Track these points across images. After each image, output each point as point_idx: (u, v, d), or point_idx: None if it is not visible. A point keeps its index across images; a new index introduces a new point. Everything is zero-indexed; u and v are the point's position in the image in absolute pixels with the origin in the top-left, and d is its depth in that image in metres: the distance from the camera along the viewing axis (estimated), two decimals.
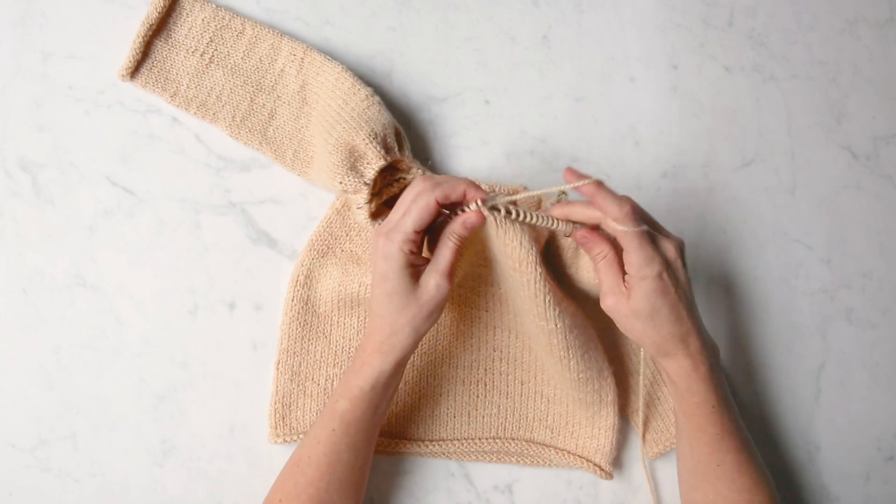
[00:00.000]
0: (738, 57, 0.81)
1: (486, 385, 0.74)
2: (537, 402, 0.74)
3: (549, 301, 0.65)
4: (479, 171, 0.77)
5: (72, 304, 0.71)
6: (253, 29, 0.73)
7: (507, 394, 0.74)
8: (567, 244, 0.70)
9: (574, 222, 0.65)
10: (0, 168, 0.71)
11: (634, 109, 0.80)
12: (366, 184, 0.67)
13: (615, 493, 0.75)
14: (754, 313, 0.79)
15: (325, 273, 0.71)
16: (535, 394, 0.74)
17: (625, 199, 0.63)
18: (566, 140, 0.78)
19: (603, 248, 0.65)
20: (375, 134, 0.67)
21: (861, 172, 0.82)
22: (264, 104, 0.73)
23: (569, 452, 0.73)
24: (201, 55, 0.72)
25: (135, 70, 0.71)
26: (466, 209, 0.63)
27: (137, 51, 0.70)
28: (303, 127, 0.72)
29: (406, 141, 0.71)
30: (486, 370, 0.74)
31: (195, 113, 0.72)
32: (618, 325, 0.66)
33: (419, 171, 0.70)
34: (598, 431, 0.73)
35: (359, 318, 0.72)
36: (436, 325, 0.72)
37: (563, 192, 0.67)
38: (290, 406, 0.71)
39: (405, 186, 0.71)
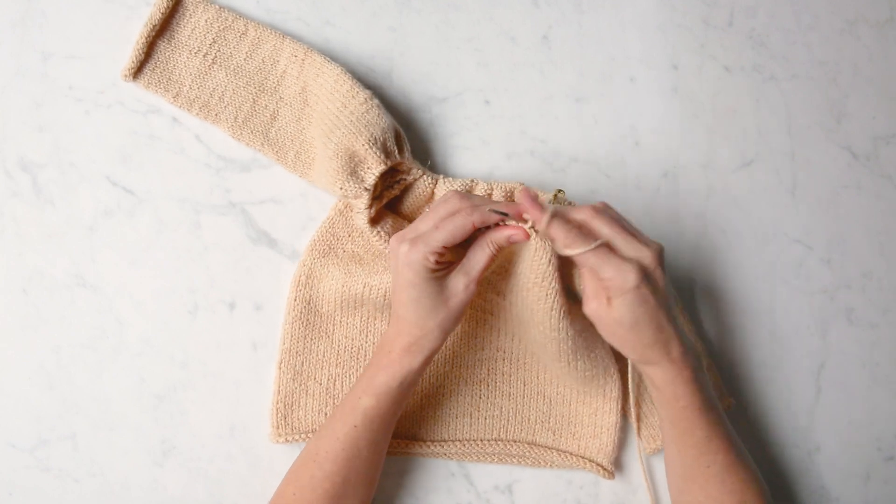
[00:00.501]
0: (738, 57, 0.81)
1: (488, 386, 0.74)
2: (539, 404, 0.74)
3: (563, 313, 0.65)
4: (479, 171, 0.77)
5: (72, 304, 0.71)
6: (255, 30, 0.73)
7: (510, 395, 0.74)
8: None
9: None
10: (0, 168, 0.71)
11: (634, 109, 0.80)
12: (366, 189, 0.67)
13: (615, 493, 0.75)
14: (754, 313, 0.79)
15: (327, 273, 0.71)
16: (537, 394, 0.74)
17: (572, 222, 0.62)
18: (566, 140, 0.78)
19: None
20: (375, 139, 0.67)
21: (861, 172, 0.82)
22: (266, 105, 0.73)
23: (571, 454, 0.73)
24: (204, 56, 0.72)
25: (137, 70, 0.71)
26: (508, 223, 0.63)
27: (140, 51, 0.70)
28: (304, 128, 0.72)
29: (406, 142, 0.71)
30: (488, 371, 0.74)
31: (197, 114, 0.72)
32: (600, 331, 0.65)
33: (420, 172, 0.70)
34: (600, 430, 0.73)
35: (361, 317, 0.72)
36: None
37: (561, 191, 0.67)
38: (291, 406, 0.71)
39: (406, 188, 0.71)
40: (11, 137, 0.72)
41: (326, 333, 0.72)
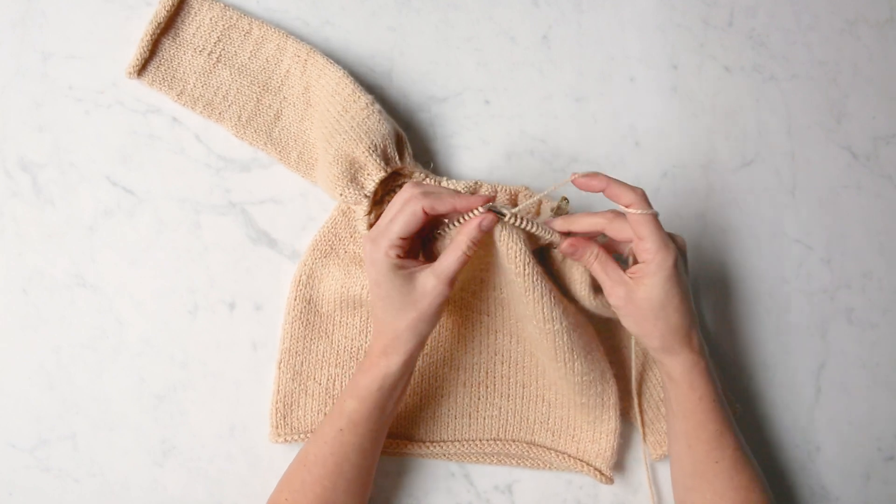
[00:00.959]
0: (738, 57, 0.81)
1: (487, 388, 0.74)
2: (538, 406, 0.74)
3: (553, 303, 0.65)
4: (479, 171, 0.77)
5: (72, 304, 0.71)
6: (260, 29, 0.73)
7: (509, 396, 0.74)
8: (556, 256, 0.69)
9: (564, 234, 0.65)
10: (0, 168, 0.71)
11: (634, 109, 0.80)
12: (366, 196, 0.67)
13: (615, 493, 0.75)
14: (754, 313, 0.79)
15: (327, 273, 0.71)
16: (536, 397, 0.74)
17: (636, 187, 0.63)
18: (566, 140, 0.78)
19: (593, 249, 0.65)
20: (375, 145, 0.67)
21: (861, 172, 0.82)
22: (270, 105, 0.73)
23: (570, 456, 0.73)
24: (209, 54, 0.72)
25: (142, 68, 0.71)
26: (470, 216, 0.63)
27: (145, 49, 0.70)
28: (308, 129, 0.72)
29: (407, 146, 0.71)
30: (487, 373, 0.74)
31: (201, 112, 0.72)
32: (624, 319, 0.65)
33: (421, 175, 0.70)
34: (599, 436, 0.73)
35: (361, 318, 0.72)
36: (437, 328, 0.72)
37: (565, 199, 0.67)
38: (291, 405, 0.71)
39: None
40: (11, 137, 0.72)
41: (326, 333, 0.72)
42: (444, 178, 0.71)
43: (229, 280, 0.73)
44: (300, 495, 0.64)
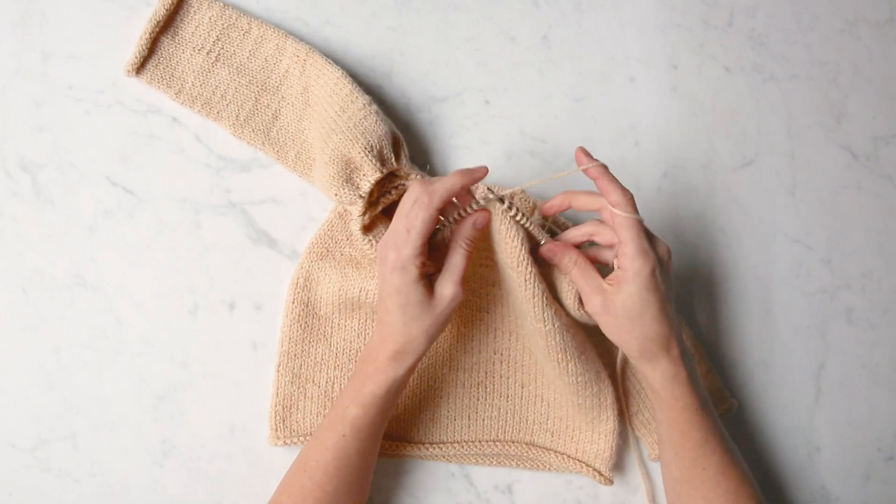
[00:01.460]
0: (738, 57, 0.81)
1: (486, 388, 0.74)
2: (537, 406, 0.74)
3: (545, 301, 0.65)
4: None
5: (72, 304, 0.71)
6: (259, 28, 0.73)
7: (508, 397, 0.74)
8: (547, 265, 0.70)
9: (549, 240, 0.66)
10: (0, 168, 0.71)
11: (634, 109, 0.80)
12: (361, 196, 0.67)
13: (615, 493, 0.75)
14: (754, 313, 0.79)
15: (325, 276, 0.71)
16: (535, 397, 0.74)
17: (627, 189, 0.63)
18: (566, 140, 0.78)
19: (572, 255, 0.65)
20: (371, 146, 0.67)
21: (861, 172, 0.82)
22: (268, 104, 0.73)
23: (569, 457, 0.73)
24: (207, 53, 0.72)
25: (140, 66, 0.71)
26: (468, 210, 0.63)
27: (144, 47, 0.71)
28: (306, 129, 0.72)
29: (404, 148, 0.71)
30: (486, 373, 0.74)
31: (199, 111, 0.72)
32: (603, 326, 0.65)
33: (418, 177, 0.70)
34: (598, 436, 0.73)
35: (359, 320, 0.72)
36: None
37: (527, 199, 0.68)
38: (290, 408, 0.71)
39: (404, 194, 0.71)
40: (11, 137, 0.72)
41: (325, 336, 0.72)
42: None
43: (229, 280, 0.73)
44: (300, 500, 0.64)
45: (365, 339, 0.72)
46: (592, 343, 0.73)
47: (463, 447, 0.73)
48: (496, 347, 0.73)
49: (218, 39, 0.72)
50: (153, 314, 0.72)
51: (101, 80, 0.73)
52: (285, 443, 0.71)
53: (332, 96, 0.70)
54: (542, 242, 0.66)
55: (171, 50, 0.72)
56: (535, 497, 0.75)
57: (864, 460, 0.79)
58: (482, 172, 0.64)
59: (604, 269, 0.66)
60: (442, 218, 0.65)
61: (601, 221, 0.66)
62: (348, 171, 0.67)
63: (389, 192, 0.70)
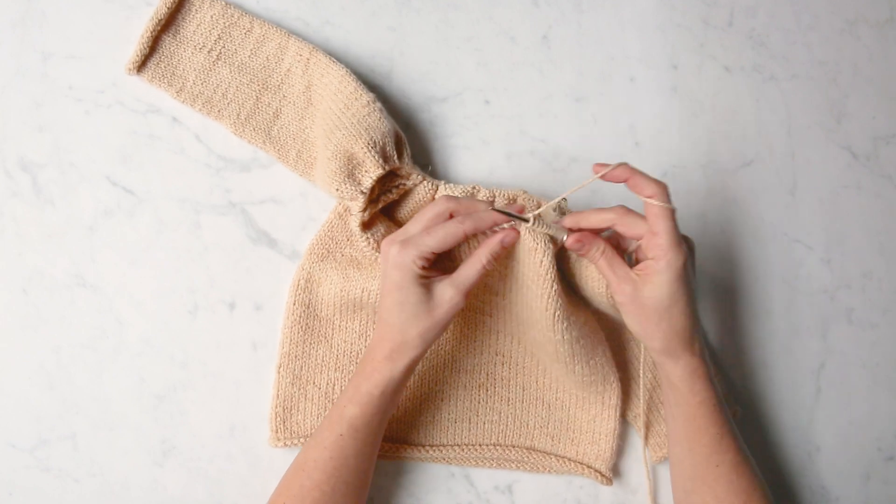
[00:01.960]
0: (738, 57, 0.81)
1: (487, 390, 0.74)
2: (538, 408, 0.74)
3: (560, 316, 0.65)
4: (479, 171, 0.77)
5: (72, 304, 0.71)
6: (261, 27, 0.73)
7: (508, 399, 0.74)
8: (569, 255, 0.69)
9: (572, 230, 0.65)
10: (0, 168, 0.71)
11: (634, 109, 0.80)
12: (362, 192, 0.67)
13: (615, 493, 0.75)
14: (754, 313, 0.79)
15: (326, 277, 0.71)
16: (536, 399, 0.74)
17: (660, 181, 0.63)
18: (566, 140, 0.78)
19: (599, 245, 0.64)
20: (374, 142, 0.67)
21: (861, 172, 0.82)
22: (270, 103, 0.73)
23: (569, 459, 0.73)
24: (209, 52, 0.72)
25: (142, 64, 0.71)
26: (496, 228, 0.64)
27: (145, 45, 0.70)
28: (307, 128, 0.72)
29: (406, 147, 0.71)
30: (487, 375, 0.74)
31: (200, 109, 0.72)
32: (628, 318, 0.64)
33: (419, 177, 0.70)
34: (598, 437, 0.73)
35: (360, 322, 0.72)
36: None
37: (564, 199, 0.67)
38: (290, 410, 0.71)
39: (405, 193, 0.71)
40: (11, 137, 0.72)
41: (325, 337, 0.72)
42: (442, 182, 0.71)
43: (229, 280, 0.73)
44: (298, 500, 0.64)
45: (366, 340, 0.72)
46: (605, 345, 0.73)
47: (463, 450, 0.73)
48: (497, 349, 0.73)
49: (219, 38, 0.72)
50: (153, 314, 0.72)
51: (101, 80, 0.73)
52: (286, 444, 0.71)
53: (337, 94, 0.70)
54: (565, 238, 0.65)
55: (172, 48, 0.72)
56: (535, 497, 0.75)
57: (864, 460, 0.79)
58: (514, 236, 0.64)
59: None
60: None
61: (626, 209, 0.64)
62: (350, 167, 0.67)
63: (390, 191, 0.70)
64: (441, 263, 0.67)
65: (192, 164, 0.73)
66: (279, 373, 0.71)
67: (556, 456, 0.73)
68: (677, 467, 0.69)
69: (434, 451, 0.72)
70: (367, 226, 0.69)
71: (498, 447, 0.73)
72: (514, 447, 0.73)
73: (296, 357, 0.72)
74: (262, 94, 0.73)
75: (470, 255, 0.65)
